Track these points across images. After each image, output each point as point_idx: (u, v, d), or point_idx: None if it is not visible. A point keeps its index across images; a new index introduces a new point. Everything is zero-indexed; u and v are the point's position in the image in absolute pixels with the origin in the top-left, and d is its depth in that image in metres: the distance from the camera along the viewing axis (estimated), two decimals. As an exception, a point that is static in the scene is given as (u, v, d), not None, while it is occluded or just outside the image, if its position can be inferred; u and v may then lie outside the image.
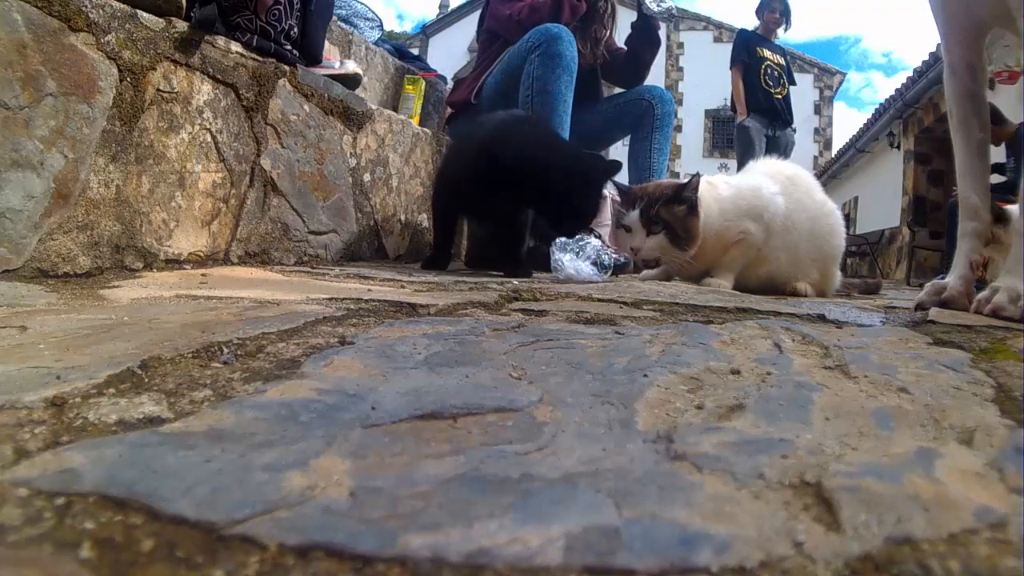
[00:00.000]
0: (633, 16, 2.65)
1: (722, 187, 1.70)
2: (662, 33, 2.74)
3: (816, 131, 15.45)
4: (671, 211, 1.64)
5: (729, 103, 4.82)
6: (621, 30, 2.69)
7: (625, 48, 2.68)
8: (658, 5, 2.51)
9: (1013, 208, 1.94)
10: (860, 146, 9.71)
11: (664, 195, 1.66)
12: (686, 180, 1.67)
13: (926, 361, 0.63)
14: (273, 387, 0.46)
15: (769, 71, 4.57)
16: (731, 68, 4.64)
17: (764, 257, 1.66)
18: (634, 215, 1.70)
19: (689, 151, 15.73)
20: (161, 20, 1.13)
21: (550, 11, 2.26)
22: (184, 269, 1.20)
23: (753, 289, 1.60)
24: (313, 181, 1.57)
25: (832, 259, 1.76)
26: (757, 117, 4.48)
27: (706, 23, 16.33)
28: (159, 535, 0.26)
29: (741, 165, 4.19)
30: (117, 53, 1.04)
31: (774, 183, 1.67)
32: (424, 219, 2.16)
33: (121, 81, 1.05)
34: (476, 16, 2.75)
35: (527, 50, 2.14)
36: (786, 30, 4.80)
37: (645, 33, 2.63)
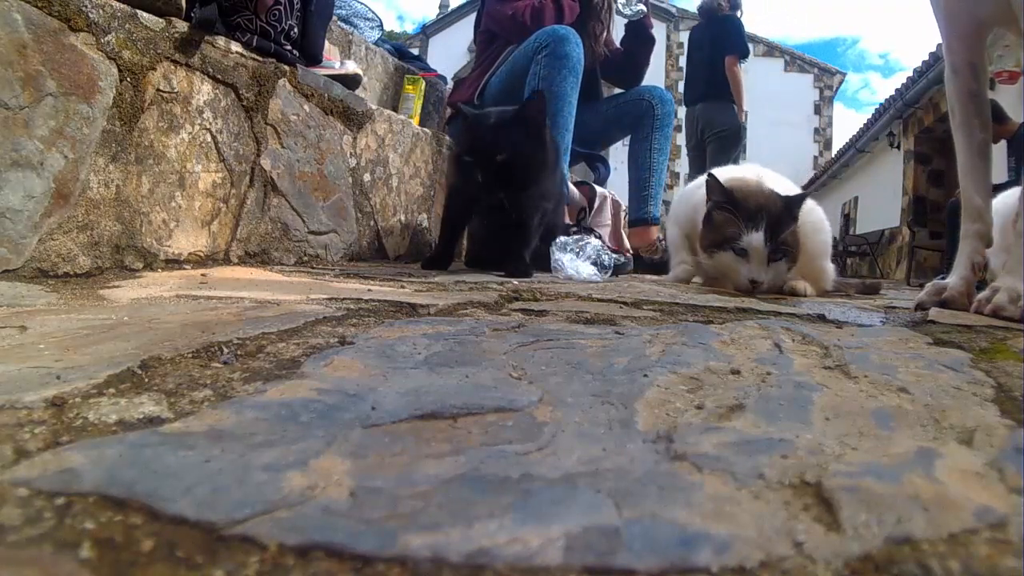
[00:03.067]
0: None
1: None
2: (661, 33, 2.75)
3: (816, 131, 15.45)
4: (792, 233, 1.46)
5: None
6: (618, 31, 2.70)
7: (621, 48, 2.69)
8: (629, 8, 2.52)
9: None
10: (860, 146, 9.71)
11: (780, 211, 1.44)
12: (796, 195, 1.54)
13: (926, 361, 0.63)
14: (273, 387, 0.46)
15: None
16: (735, 56, 4.20)
17: None
18: (758, 238, 1.41)
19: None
20: (161, 20, 1.13)
21: (553, 12, 2.26)
22: (184, 269, 1.20)
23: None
24: (313, 181, 1.57)
25: (822, 255, 1.75)
26: None
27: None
28: (159, 535, 0.26)
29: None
30: (117, 53, 1.04)
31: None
32: (424, 219, 2.16)
33: (121, 81, 1.05)
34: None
35: (534, 50, 2.14)
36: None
37: (638, 31, 2.63)
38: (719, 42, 4.27)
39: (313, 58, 1.61)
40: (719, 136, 4.27)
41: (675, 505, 0.30)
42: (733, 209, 1.46)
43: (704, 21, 4.53)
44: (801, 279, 1.64)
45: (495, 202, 1.58)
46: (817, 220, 1.74)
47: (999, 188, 1.69)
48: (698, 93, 4.37)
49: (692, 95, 4.47)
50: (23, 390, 0.41)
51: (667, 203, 2.57)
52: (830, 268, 1.79)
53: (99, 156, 1.02)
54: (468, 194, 1.64)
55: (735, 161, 4.06)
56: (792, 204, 1.51)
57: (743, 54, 4.28)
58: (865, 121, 9.45)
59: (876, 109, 8.91)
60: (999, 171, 3.85)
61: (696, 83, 4.41)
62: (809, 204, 1.72)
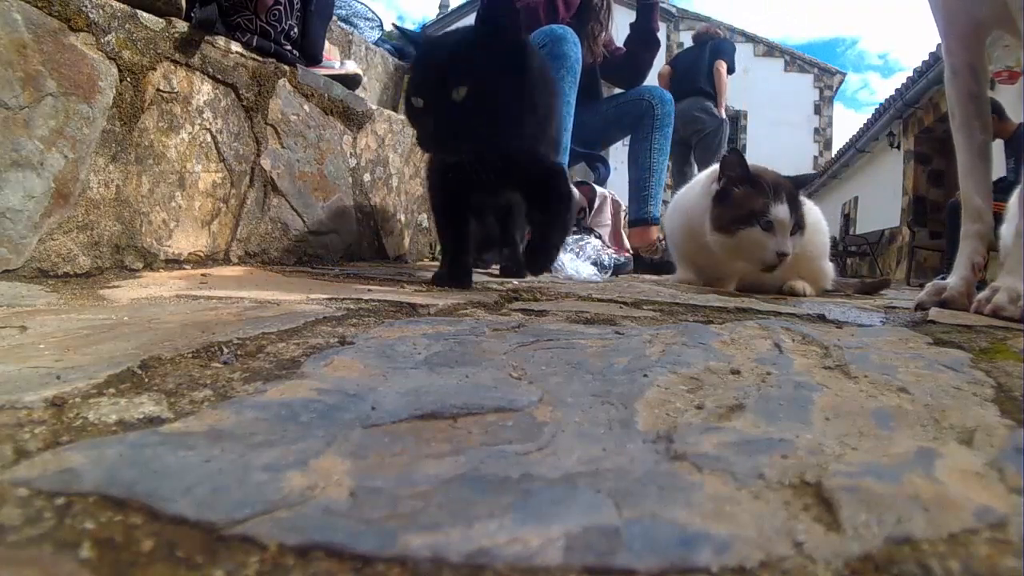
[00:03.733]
0: (632, 17, 2.65)
1: None
2: (662, 33, 2.76)
3: (816, 131, 15.42)
4: (802, 208, 1.52)
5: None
6: (620, 31, 2.70)
7: (624, 49, 2.69)
8: None
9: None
10: (860, 146, 9.71)
11: (791, 186, 1.49)
12: (797, 175, 1.61)
13: (926, 361, 0.63)
14: (273, 387, 0.46)
15: None
16: (723, 65, 4.78)
17: None
18: (784, 210, 1.43)
19: (689, 151, 15.70)
20: (161, 20, 1.13)
21: (546, 11, 2.26)
22: (184, 269, 1.20)
23: (750, 289, 1.60)
24: (313, 181, 1.57)
25: (821, 255, 1.75)
26: None
27: (705, 23, 16.30)
28: (159, 535, 0.26)
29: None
30: (117, 53, 1.04)
31: None
32: (424, 219, 2.16)
33: (121, 81, 1.05)
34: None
35: None
36: None
37: (643, 34, 2.63)
38: (716, 56, 4.81)
39: (313, 58, 1.61)
40: (705, 136, 4.67)
41: (675, 505, 0.30)
42: (755, 184, 1.46)
43: (698, 45, 5.06)
44: (800, 279, 1.64)
45: (477, 168, 1.14)
46: (815, 221, 1.74)
47: (996, 184, 1.69)
48: (684, 91, 4.62)
49: (678, 95, 4.69)
50: (23, 390, 0.41)
51: (667, 203, 2.58)
52: (829, 268, 1.80)
53: (99, 156, 1.02)
54: (452, 164, 1.19)
55: None
56: (798, 182, 1.58)
57: (731, 70, 4.85)
58: (865, 121, 9.45)
59: (876, 109, 8.91)
60: (998, 170, 3.85)
61: (685, 85, 4.73)
62: (808, 205, 1.72)
